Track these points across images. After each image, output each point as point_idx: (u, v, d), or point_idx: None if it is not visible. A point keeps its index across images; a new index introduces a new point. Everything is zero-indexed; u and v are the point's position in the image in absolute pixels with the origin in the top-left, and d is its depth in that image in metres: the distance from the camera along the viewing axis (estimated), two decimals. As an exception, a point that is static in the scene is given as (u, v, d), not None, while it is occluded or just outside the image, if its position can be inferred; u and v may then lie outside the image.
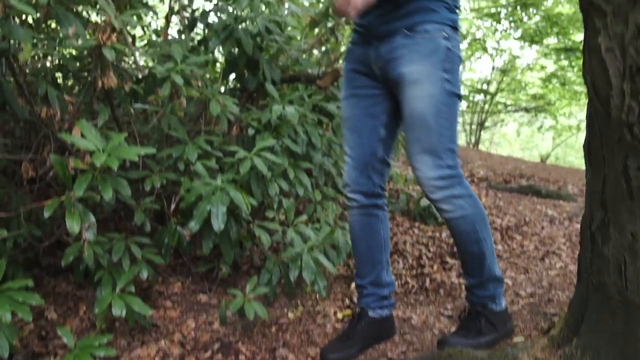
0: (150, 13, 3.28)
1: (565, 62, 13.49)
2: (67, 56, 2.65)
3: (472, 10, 14.16)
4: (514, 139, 19.58)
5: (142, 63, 3.29)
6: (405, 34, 1.83)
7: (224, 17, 3.12)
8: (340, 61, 3.41)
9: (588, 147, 1.53)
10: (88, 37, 2.28)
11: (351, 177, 2.10)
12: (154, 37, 3.76)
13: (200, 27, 3.46)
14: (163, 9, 4.09)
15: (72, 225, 1.80)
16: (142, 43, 3.81)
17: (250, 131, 2.92)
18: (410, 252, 3.26)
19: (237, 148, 2.67)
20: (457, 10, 1.90)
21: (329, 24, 3.76)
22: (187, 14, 3.56)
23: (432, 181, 1.87)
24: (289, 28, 3.52)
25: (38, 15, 2.03)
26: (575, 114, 15.46)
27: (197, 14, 3.41)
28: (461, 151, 9.94)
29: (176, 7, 3.61)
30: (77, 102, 2.36)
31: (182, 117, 2.93)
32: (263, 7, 3.15)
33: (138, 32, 3.77)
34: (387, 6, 1.82)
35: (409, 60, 1.83)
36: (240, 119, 3.00)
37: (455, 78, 1.86)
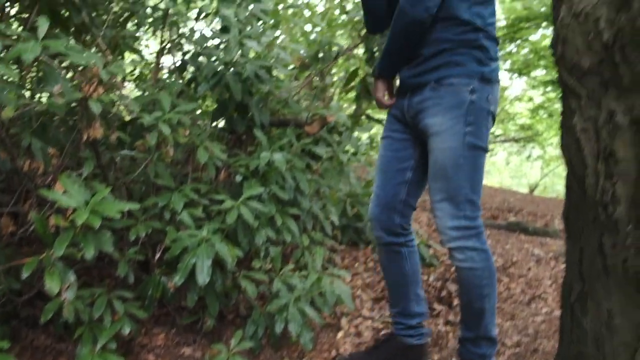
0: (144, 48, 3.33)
1: (552, 94, 13.66)
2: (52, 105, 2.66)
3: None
4: (504, 167, 19.74)
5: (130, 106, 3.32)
6: (433, 86, 1.92)
7: (213, 60, 3.15)
8: (330, 106, 3.44)
9: (567, 216, 1.56)
10: (76, 82, 2.30)
11: (374, 213, 2.22)
12: (145, 70, 3.78)
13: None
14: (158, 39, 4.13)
15: (52, 285, 1.79)
16: (132, 80, 3.85)
17: (238, 177, 2.94)
18: (396, 297, 3.24)
19: (224, 197, 2.68)
20: (492, 62, 1.95)
21: (319, 67, 3.82)
22: (178, 54, 3.59)
23: (448, 230, 1.94)
24: (278, 72, 3.55)
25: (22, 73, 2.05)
26: (563, 144, 15.59)
27: (187, 56, 3.44)
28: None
29: (168, 46, 3.64)
30: (61, 154, 2.36)
31: (169, 163, 2.94)
32: (252, 53, 3.19)
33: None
34: (418, 60, 1.95)
35: (433, 113, 1.93)
36: (228, 165, 3.02)
37: (479, 131, 1.91)
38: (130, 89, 3.69)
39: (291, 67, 3.73)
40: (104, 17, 3.03)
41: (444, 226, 1.95)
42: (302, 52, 3.56)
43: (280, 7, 12.47)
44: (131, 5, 3.23)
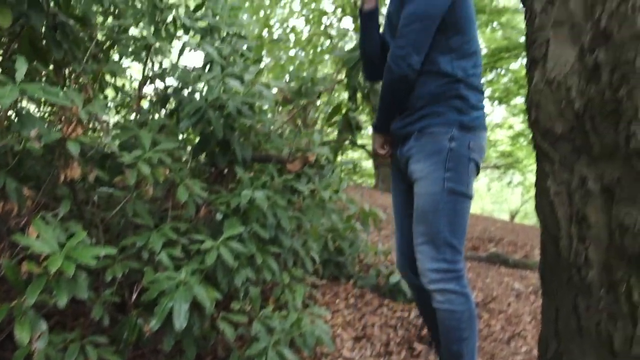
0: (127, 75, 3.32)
1: (534, 121, 13.84)
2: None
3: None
4: (485, 193, 19.93)
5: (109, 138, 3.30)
6: (416, 136, 2.04)
7: (195, 97, 3.15)
8: (313, 144, 3.45)
9: (542, 274, 1.57)
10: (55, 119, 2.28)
11: (396, 257, 2.37)
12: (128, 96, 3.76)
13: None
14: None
15: (22, 336, 1.75)
16: (114, 106, 3.82)
17: (219, 215, 2.92)
18: (378, 336, 3.24)
19: (203, 236, 2.66)
20: (473, 111, 2.02)
21: (302, 102, 3.84)
22: (160, 85, 3.59)
23: (428, 272, 2.00)
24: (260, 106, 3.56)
25: None
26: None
27: (169, 90, 3.44)
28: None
29: (150, 74, 3.63)
30: (37, 192, 2.33)
31: (148, 200, 2.92)
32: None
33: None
34: (406, 112, 2.08)
35: (416, 160, 2.04)
36: (209, 202, 3.01)
37: (459, 177, 1.98)
38: (111, 116, 3.67)
39: (274, 101, 3.74)
40: (87, 44, 3.02)
41: (425, 268, 2.01)
42: (284, 87, 3.58)
43: (265, 32, 12.53)
44: (115, 34, 3.23)
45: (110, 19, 3.48)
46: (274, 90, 3.62)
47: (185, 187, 2.77)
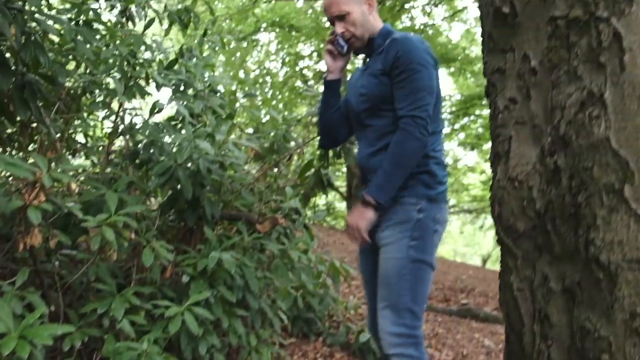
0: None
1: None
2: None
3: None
4: (458, 236, 20.08)
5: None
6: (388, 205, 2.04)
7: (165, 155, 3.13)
8: (284, 204, 3.44)
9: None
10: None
11: (369, 326, 2.32)
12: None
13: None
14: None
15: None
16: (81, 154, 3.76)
17: (185, 277, 2.87)
18: (345, 401, 3.18)
19: (168, 302, 2.61)
20: (439, 186, 2.08)
21: (274, 158, 3.84)
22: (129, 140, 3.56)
23: (388, 336, 2.01)
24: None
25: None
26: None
27: (139, 146, 3.41)
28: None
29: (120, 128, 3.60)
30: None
31: (112, 263, 2.85)
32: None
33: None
34: None
35: (384, 227, 2.06)
36: (176, 263, 2.96)
37: (424, 246, 2.02)
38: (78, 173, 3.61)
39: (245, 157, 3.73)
40: (56, 101, 3.00)
41: (385, 332, 2.02)
42: (256, 145, 3.58)
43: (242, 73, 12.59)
44: (85, 86, 3.20)
45: (82, 68, 3.46)
46: (245, 146, 3.61)
47: (150, 250, 2.72)
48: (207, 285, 2.85)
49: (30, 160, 2.77)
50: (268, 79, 13.93)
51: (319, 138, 2.45)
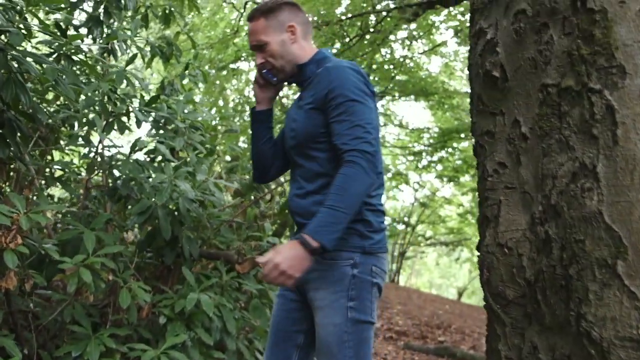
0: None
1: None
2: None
3: (394, 146, 14.94)
4: (434, 267, 20.12)
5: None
6: (317, 259, 1.76)
7: (144, 196, 3.08)
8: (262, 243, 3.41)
9: None
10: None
11: None
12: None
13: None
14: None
15: None
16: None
17: (162, 319, 2.81)
18: None
19: (144, 346, 2.54)
20: (376, 235, 1.86)
21: (253, 195, 3.81)
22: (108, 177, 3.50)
23: None
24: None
25: None
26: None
27: (118, 182, 3.35)
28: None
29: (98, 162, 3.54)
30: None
31: (88, 303, 2.78)
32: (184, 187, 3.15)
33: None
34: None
35: (316, 287, 1.84)
36: (153, 303, 2.90)
37: (362, 305, 1.81)
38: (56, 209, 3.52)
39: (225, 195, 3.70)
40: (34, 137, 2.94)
41: None
42: (235, 185, 3.55)
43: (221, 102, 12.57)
44: (64, 118, 3.15)
45: (61, 99, 3.41)
46: (226, 188, 3.58)
47: (128, 291, 2.66)
48: (184, 326, 2.80)
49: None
50: (247, 107, 13.93)
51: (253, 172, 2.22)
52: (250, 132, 2.12)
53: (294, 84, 2.11)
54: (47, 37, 2.97)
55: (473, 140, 1.57)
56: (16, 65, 2.27)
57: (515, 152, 1.34)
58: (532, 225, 1.28)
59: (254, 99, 2.12)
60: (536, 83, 1.31)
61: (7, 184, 2.86)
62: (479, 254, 1.50)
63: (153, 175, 3.10)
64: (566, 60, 1.25)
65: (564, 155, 1.23)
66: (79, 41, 2.88)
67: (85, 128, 3.33)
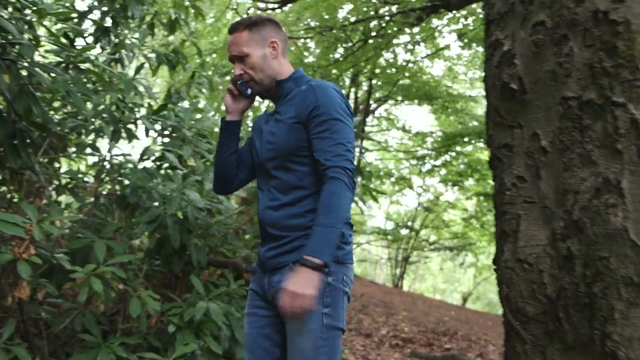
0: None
1: (484, 204, 14.21)
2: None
3: (397, 150, 14.92)
4: (437, 272, 20.07)
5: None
6: (291, 267, 1.81)
7: (153, 204, 3.08)
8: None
9: None
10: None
11: None
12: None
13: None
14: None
15: None
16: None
17: (171, 327, 2.80)
18: None
19: (154, 355, 2.54)
20: (346, 246, 1.91)
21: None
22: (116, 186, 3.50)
23: None
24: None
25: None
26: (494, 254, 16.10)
27: (127, 190, 3.35)
28: (386, 296, 9.99)
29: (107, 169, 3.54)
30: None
31: (98, 311, 2.78)
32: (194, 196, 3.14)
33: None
34: (282, 241, 1.87)
35: None
36: (162, 312, 2.89)
37: (336, 312, 1.85)
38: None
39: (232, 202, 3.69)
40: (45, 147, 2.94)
41: None
42: (243, 193, 3.55)
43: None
44: (73, 126, 3.15)
45: (69, 107, 3.41)
46: (233, 197, 3.57)
47: (137, 299, 2.66)
48: (193, 335, 2.79)
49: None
50: (250, 112, 13.95)
51: (213, 184, 2.16)
52: (219, 144, 2.09)
53: (264, 98, 2.10)
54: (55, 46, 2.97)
55: (489, 151, 1.56)
56: (27, 76, 2.26)
57: (535, 166, 1.33)
58: (553, 240, 1.27)
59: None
60: (556, 96, 1.30)
61: (18, 193, 2.86)
62: (495, 267, 1.49)
63: (161, 184, 3.09)
64: (587, 72, 1.24)
65: (586, 170, 1.22)
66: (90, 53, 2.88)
67: (92, 135, 3.33)
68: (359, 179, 3.27)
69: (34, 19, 2.55)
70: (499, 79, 1.44)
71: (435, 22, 10.53)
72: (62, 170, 3.35)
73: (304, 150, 1.88)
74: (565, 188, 1.25)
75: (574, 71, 1.26)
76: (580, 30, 1.26)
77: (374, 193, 3.22)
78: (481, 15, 9.84)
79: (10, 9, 2.65)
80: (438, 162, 14.09)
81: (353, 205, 3.37)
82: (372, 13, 9.03)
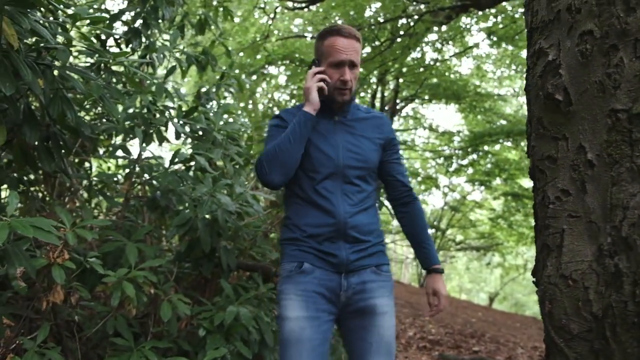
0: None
1: (512, 204, 14.03)
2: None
3: (424, 149, 14.80)
4: (464, 271, 19.87)
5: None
6: (374, 270, 2.07)
7: (184, 207, 3.10)
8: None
9: None
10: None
11: None
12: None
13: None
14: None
15: None
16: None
17: (202, 331, 2.81)
18: None
19: (184, 359, 2.54)
20: None
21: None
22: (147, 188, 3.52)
23: None
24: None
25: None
26: (522, 254, 15.90)
27: (158, 193, 3.37)
28: (412, 297, 9.93)
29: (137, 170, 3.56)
30: (17, 323, 2.21)
31: (130, 315, 2.80)
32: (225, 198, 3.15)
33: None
34: (365, 245, 2.06)
35: (380, 294, 2.05)
36: (192, 316, 2.90)
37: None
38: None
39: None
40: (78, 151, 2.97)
41: None
42: (272, 196, 3.54)
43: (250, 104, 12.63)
44: (105, 128, 3.17)
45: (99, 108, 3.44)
46: (263, 200, 3.58)
47: (169, 303, 2.67)
48: (224, 339, 2.80)
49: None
50: (275, 110, 13.97)
51: (273, 174, 2.01)
52: (298, 135, 2.02)
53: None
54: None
55: (530, 162, 1.52)
56: (60, 80, 2.28)
57: (580, 180, 1.29)
58: (599, 257, 1.23)
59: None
60: (604, 108, 1.26)
61: (51, 196, 2.89)
62: (535, 281, 1.45)
63: (191, 187, 3.10)
64: (638, 84, 1.20)
65: (636, 185, 1.18)
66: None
67: (121, 137, 3.36)
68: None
69: (67, 23, 2.57)
70: (543, 89, 1.40)
71: (463, 20, 10.42)
72: (93, 170, 3.37)
73: (376, 169, 2.17)
74: (613, 203, 1.21)
75: (623, 83, 1.22)
76: (631, 41, 1.21)
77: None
78: (511, 13, 9.70)
79: (44, 10, 2.67)
80: (465, 162, 13.96)
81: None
82: (400, 12, 8.96)
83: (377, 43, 9.90)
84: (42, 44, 2.24)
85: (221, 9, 4.74)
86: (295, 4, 9.99)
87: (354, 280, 2.03)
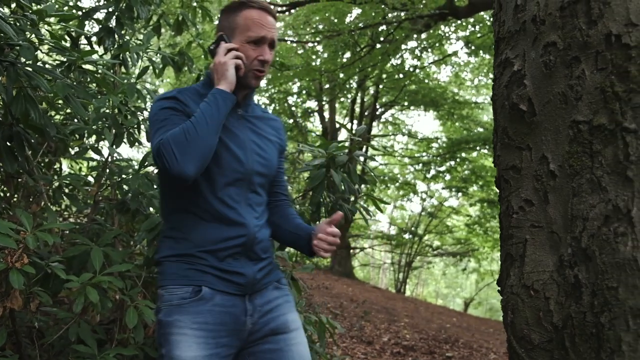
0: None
1: (488, 211, 14.17)
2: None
3: (403, 155, 14.88)
4: (440, 277, 20.00)
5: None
6: (276, 286, 1.86)
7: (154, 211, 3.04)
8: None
9: None
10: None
11: None
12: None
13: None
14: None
15: None
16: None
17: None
18: None
19: (150, 366, 2.49)
20: None
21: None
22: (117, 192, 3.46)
23: None
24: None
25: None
26: (497, 260, 16.07)
27: (128, 196, 3.31)
28: (388, 302, 9.93)
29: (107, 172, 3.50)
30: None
31: (94, 321, 2.74)
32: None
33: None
34: (265, 262, 1.82)
35: (288, 310, 1.86)
36: (159, 321, 2.85)
37: None
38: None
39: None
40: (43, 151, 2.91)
41: None
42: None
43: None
44: (74, 129, 3.11)
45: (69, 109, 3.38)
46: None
47: (134, 310, 2.61)
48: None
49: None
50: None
51: (189, 164, 1.57)
52: (216, 116, 1.65)
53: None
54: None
55: (496, 171, 1.52)
56: (26, 79, 2.23)
57: (543, 190, 1.29)
58: (560, 267, 1.23)
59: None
60: (566, 119, 1.26)
61: (15, 198, 2.82)
62: (499, 289, 1.45)
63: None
64: (599, 96, 1.20)
65: (595, 197, 1.18)
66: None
67: (93, 137, 3.30)
68: (362, 187, 3.23)
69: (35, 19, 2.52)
70: (508, 99, 1.40)
71: (442, 28, 10.50)
72: (64, 171, 3.31)
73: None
74: (573, 214, 1.21)
75: (585, 94, 1.22)
76: (592, 53, 1.21)
77: (378, 202, 3.17)
78: (488, 23, 9.80)
79: (13, 6, 2.62)
80: (443, 168, 14.06)
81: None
82: (380, 19, 9.00)
83: (357, 49, 9.93)
84: (2, 42, 2.19)
85: (200, 9, 4.70)
86: (276, 7, 9.97)
87: (259, 302, 1.77)
